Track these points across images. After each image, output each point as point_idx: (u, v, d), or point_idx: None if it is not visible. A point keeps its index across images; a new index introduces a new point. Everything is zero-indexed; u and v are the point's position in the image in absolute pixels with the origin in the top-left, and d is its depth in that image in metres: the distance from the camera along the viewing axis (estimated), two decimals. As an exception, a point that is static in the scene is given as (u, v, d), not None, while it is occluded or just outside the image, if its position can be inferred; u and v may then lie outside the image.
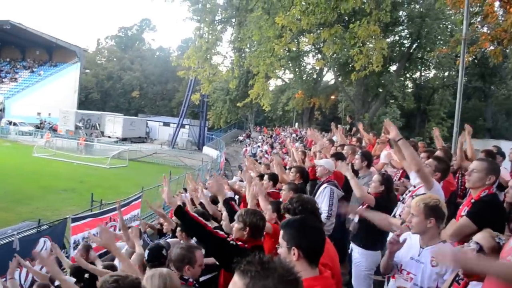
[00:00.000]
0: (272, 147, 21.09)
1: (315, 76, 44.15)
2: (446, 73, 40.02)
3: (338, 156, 6.91)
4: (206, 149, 38.74)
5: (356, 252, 4.88)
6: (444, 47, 27.02)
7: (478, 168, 3.59)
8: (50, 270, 3.97)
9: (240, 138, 42.34)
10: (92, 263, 6.05)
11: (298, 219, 2.50)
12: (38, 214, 10.76)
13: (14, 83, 51.91)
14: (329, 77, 46.90)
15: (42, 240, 7.79)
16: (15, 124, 42.82)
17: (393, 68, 37.00)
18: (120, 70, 70.95)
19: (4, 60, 58.09)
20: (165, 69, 67.18)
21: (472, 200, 3.58)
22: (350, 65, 30.10)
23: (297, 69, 42.03)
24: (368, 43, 17.16)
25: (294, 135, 25.83)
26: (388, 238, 3.69)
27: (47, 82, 52.20)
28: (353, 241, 4.99)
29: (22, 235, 7.61)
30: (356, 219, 5.01)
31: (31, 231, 8.06)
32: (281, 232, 2.35)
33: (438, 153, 5.80)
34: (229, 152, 34.16)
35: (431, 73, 43.09)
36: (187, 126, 44.34)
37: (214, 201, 7.29)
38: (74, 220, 8.81)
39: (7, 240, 7.37)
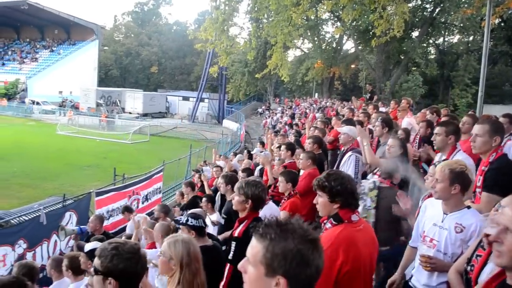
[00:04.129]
0: (292, 118, 20.90)
1: (334, 45, 43.32)
2: (471, 38, 38.73)
3: (348, 123, 6.83)
4: (226, 122, 38.75)
5: None
6: (468, 9, 26.13)
7: (480, 132, 3.46)
8: None
9: (260, 110, 42.15)
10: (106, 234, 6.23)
11: (347, 178, 2.71)
12: (63, 190, 10.99)
13: (35, 63, 52.52)
14: (349, 45, 46.01)
15: (67, 214, 7.96)
16: (37, 103, 43.48)
17: (415, 34, 35.92)
18: (138, 46, 70.87)
19: (24, 41, 58.66)
20: (183, 43, 66.85)
21: (483, 168, 3.45)
22: (371, 32, 29.35)
23: (315, 38, 41.27)
24: (388, 8, 16.67)
25: (314, 105, 25.54)
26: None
27: (67, 61, 52.61)
28: None
29: (49, 209, 7.78)
30: (376, 178, 4.99)
31: (56, 205, 8.23)
32: (326, 184, 2.61)
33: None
34: (249, 124, 34.14)
35: (455, 38, 41.78)
36: (206, 100, 44.30)
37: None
38: (98, 194, 8.95)
39: (34, 215, 7.58)
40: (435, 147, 4.28)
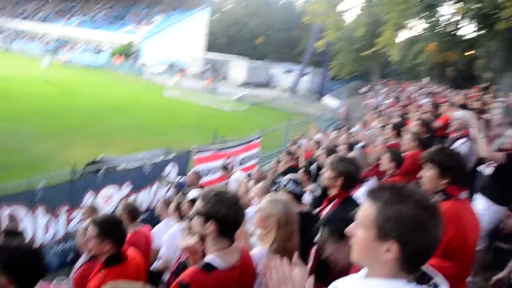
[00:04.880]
0: (397, 101, 19.93)
1: (451, 28, 40.20)
2: None
3: (463, 108, 6.39)
4: (327, 99, 38.12)
5: (482, 203, 4.52)
6: None
7: None
8: None
9: (363, 89, 40.80)
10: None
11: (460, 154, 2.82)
12: (165, 145, 11.52)
13: (149, 26, 55.31)
14: (467, 30, 42.52)
15: (169, 166, 8.38)
16: (149, 65, 46.16)
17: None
18: (246, 16, 71.84)
19: (142, 5, 61.96)
20: (290, 16, 66.45)
21: None
22: (495, 16, 26.71)
23: (431, 19, 38.58)
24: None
25: (422, 90, 24.13)
26: None
27: (179, 26, 54.72)
28: (481, 192, 4.62)
29: (152, 161, 8.25)
30: (490, 170, 4.63)
31: (160, 157, 8.70)
32: (438, 158, 2.66)
33: None
34: (350, 103, 33.30)
35: None
36: (308, 75, 43.83)
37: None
38: (198, 152, 9.27)
39: (140, 163, 8.12)
40: None
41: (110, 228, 3.06)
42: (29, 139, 15.18)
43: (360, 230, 1.42)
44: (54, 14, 63.71)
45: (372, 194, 1.42)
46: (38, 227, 6.28)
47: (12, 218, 5.74)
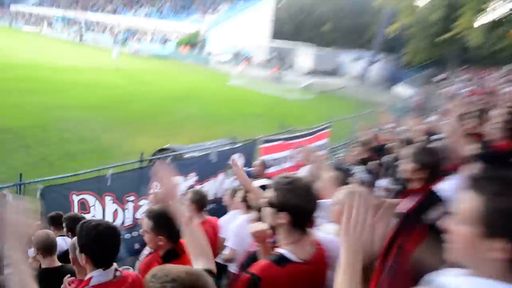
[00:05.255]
0: (477, 88, 18.60)
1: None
2: None
3: None
4: (398, 87, 36.58)
5: None
6: None
7: None
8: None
9: (438, 77, 38.67)
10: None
11: None
12: (231, 135, 11.42)
13: (215, 15, 55.71)
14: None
15: (235, 155, 8.21)
16: (214, 54, 46.67)
17: None
18: (313, 2, 70.45)
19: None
20: (359, 1, 64.43)
21: None
22: None
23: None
24: None
25: (506, 77, 22.34)
26: None
27: (244, 14, 54.72)
28: None
29: (219, 149, 8.16)
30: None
31: (226, 147, 8.59)
32: None
33: None
34: (425, 91, 31.74)
35: None
36: (379, 62, 42.20)
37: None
38: (265, 141, 9.05)
39: (206, 152, 8.10)
40: None
41: (164, 223, 2.96)
42: (99, 128, 15.79)
43: (461, 226, 1.28)
44: (123, 6, 66.27)
45: (477, 184, 1.27)
46: (106, 215, 6.37)
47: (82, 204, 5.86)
